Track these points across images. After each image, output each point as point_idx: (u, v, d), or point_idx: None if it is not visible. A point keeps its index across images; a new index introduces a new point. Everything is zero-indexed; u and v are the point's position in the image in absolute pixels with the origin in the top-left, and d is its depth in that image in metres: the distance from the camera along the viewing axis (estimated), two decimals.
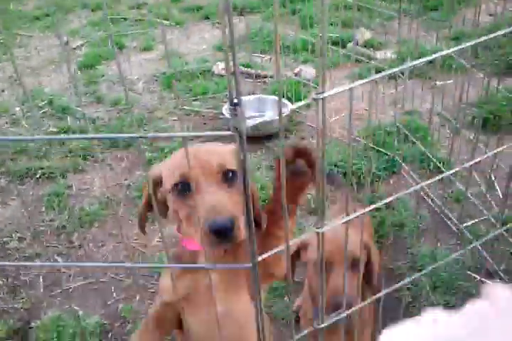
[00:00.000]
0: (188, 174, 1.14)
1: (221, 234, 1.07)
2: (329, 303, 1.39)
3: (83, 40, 4.82)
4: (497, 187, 2.84)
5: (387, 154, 3.10)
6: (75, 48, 4.69)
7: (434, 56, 0.89)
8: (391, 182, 2.99)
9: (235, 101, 0.68)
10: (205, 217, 1.08)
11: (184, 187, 1.18)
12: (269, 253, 0.86)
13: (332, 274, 1.53)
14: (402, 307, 2.24)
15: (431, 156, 2.91)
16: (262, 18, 5.14)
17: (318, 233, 0.89)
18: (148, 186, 1.21)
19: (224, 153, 1.21)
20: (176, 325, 1.41)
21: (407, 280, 1.21)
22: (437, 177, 1.12)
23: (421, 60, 0.87)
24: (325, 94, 0.75)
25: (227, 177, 1.18)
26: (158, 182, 1.25)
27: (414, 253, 2.50)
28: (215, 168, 1.17)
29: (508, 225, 1.58)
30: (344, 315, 1.05)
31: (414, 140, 3.09)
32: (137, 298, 2.38)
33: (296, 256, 1.69)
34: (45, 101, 3.81)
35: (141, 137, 0.75)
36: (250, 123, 3.20)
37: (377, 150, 3.12)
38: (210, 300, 1.21)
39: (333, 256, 1.50)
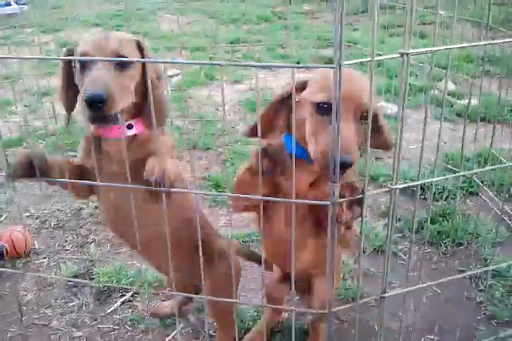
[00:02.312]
0: (86, 51, 1.30)
1: (93, 103, 1.21)
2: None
3: (178, 71, 5.18)
4: None
5: (464, 175, 3.05)
6: (171, 76, 5.04)
7: None
8: (468, 201, 2.92)
9: None
10: (85, 89, 1.23)
11: (83, 65, 1.31)
12: None
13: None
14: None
15: None
16: None
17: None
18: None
19: (124, 41, 1.35)
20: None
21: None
22: None
23: None
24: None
25: (120, 63, 1.32)
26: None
27: (488, 259, 2.40)
28: (109, 52, 1.31)
29: None
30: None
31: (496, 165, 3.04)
32: None
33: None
34: None
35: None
36: None
37: (454, 172, 3.09)
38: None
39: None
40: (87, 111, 1.25)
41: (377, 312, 1.51)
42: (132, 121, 1.43)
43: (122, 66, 1.33)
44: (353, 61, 1.03)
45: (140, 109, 1.43)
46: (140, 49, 1.42)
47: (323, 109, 1.23)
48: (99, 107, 1.23)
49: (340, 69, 0.97)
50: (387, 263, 1.25)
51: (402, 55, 1.02)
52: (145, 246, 1.46)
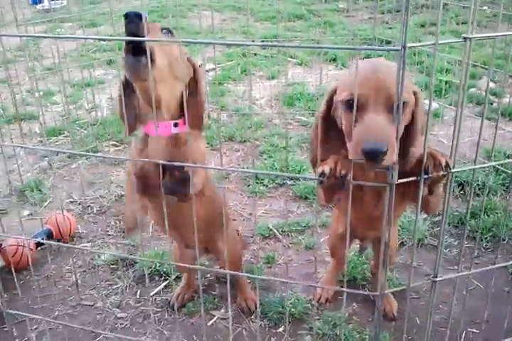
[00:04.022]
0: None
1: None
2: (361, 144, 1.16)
3: (215, 65, 5.22)
4: None
5: (505, 172, 3.02)
6: (207, 70, 5.08)
7: None
8: (508, 198, 2.89)
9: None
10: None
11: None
12: None
13: (365, 116, 1.21)
14: None
15: None
16: None
17: None
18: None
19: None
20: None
21: None
22: None
23: None
24: None
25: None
26: None
27: None
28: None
29: None
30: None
31: None
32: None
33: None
34: None
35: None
36: None
37: (497, 169, 3.06)
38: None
39: (368, 96, 1.21)
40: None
41: (428, 301, 1.50)
42: (178, 121, 1.53)
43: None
44: (418, 44, 1.05)
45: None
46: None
47: (352, 105, 1.18)
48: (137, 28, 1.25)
49: (405, 51, 0.98)
50: (441, 244, 1.26)
51: (465, 39, 1.04)
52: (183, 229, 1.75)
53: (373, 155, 1.12)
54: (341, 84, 1.34)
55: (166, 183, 1.39)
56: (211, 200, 1.77)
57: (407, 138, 1.29)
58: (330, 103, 1.38)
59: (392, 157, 1.13)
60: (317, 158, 1.20)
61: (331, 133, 1.40)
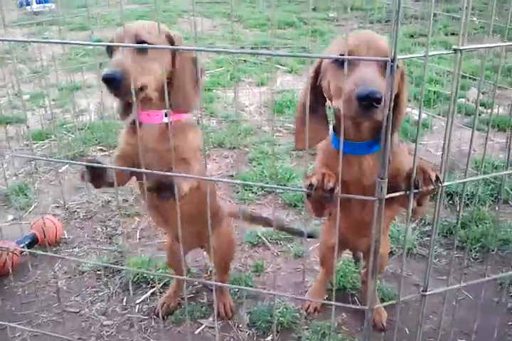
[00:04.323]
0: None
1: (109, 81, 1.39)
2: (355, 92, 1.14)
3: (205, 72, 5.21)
4: None
5: (493, 183, 3.03)
6: None
7: None
8: (496, 208, 2.89)
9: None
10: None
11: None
12: None
13: (356, 69, 1.19)
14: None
15: None
16: None
17: None
18: None
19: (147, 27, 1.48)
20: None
21: None
22: None
23: None
24: None
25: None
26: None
27: None
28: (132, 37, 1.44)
29: None
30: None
31: None
32: None
33: None
34: None
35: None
36: None
37: (485, 180, 3.06)
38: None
39: (358, 51, 1.22)
40: (107, 88, 1.40)
41: (417, 311, 1.49)
42: (169, 110, 1.51)
43: (143, 51, 1.46)
44: (408, 56, 1.04)
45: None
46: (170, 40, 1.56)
47: (343, 62, 1.18)
48: (116, 85, 1.37)
49: (394, 61, 0.96)
50: (430, 261, 1.25)
51: (455, 51, 1.03)
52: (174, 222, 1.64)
53: (368, 102, 1.10)
54: (331, 48, 1.35)
55: (150, 187, 1.36)
56: (204, 195, 1.73)
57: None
58: (318, 71, 1.38)
59: (383, 112, 1.09)
60: (302, 121, 1.20)
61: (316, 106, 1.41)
